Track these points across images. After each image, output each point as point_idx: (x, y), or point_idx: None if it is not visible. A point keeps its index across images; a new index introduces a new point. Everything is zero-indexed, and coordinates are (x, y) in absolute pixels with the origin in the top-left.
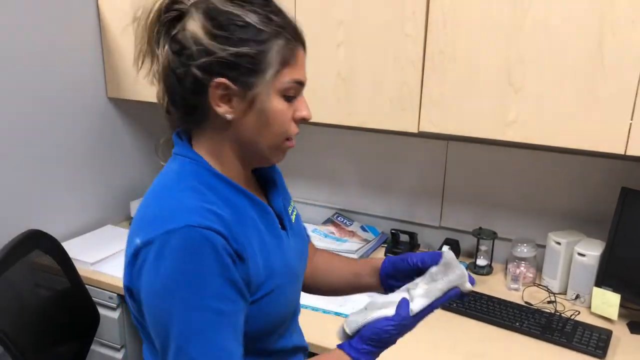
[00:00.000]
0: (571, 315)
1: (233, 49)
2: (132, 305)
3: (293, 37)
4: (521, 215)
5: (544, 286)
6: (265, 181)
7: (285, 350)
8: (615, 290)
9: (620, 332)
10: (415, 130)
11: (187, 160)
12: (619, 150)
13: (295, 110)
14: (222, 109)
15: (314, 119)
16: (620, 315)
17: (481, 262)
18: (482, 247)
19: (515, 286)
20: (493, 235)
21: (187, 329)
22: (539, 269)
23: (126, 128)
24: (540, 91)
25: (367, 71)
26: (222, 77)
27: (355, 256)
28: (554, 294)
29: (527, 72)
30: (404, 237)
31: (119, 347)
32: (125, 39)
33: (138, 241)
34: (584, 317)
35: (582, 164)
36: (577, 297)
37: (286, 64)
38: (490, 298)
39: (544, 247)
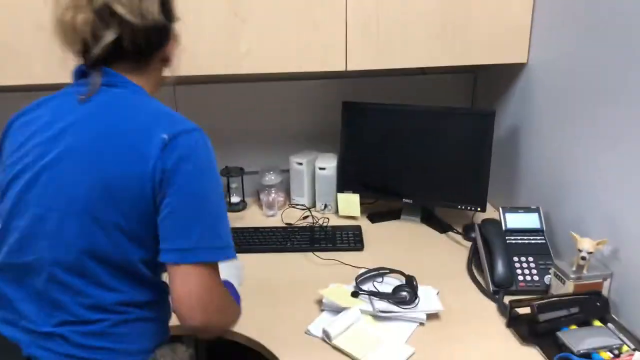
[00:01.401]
0: (324, 223)
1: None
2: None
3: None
4: (262, 147)
5: (297, 204)
6: None
7: None
8: (354, 192)
9: (365, 224)
10: None
11: (138, 88)
12: (340, 67)
13: None
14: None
15: None
16: (361, 212)
17: (235, 199)
18: (233, 185)
19: (272, 212)
20: (240, 172)
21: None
22: (288, 192)
23: None
24: (265, 20)
25: None
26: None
27: None
28: (307, 209)
29: (251, 1)
30: None
31: None
32: None
33: (165, 136)
34: (336, 221)
35: (309, 88)
36: (326, 206)
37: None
38: (256, 229)
39: (288, 171)
